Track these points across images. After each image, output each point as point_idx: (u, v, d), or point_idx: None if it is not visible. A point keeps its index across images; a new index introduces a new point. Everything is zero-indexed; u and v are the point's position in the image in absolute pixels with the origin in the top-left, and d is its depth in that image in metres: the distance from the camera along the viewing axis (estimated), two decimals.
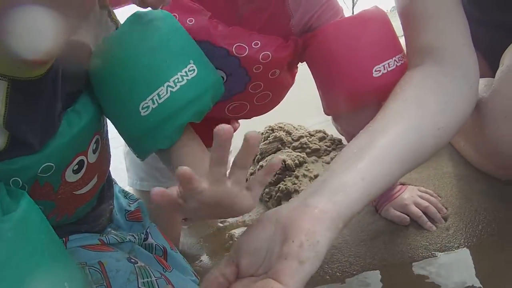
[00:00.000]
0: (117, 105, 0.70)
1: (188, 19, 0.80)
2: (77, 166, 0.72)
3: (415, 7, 0.71)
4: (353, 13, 0.93)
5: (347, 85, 0.82)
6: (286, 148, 1.22)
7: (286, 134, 1.25)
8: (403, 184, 0.97)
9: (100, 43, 0.70)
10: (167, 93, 0.66)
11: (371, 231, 0.90)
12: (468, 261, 0.77)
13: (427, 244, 0.82)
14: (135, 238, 0.87)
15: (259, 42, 0.83)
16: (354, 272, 0.81)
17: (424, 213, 0.87)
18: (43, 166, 0.64)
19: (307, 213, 0.48)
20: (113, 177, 0.92)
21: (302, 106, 0.99)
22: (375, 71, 0.79)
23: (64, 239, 0.75)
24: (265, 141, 1.27)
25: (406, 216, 0.87)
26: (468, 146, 0.97)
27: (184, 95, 0.67)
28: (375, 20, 0.83)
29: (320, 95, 0.93)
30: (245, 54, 0.82)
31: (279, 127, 1.30)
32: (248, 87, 0.89)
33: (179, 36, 0.71)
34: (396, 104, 0.64)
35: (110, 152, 0.83)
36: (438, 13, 0.69)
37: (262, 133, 1.31)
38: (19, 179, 0.62)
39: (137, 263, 0.81)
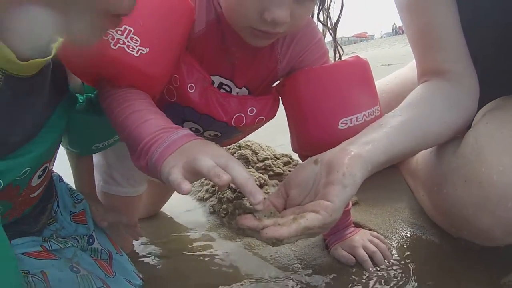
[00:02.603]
0: None
1: (189, 85, 0.80)
2: (42, 171, 0.73)
3: (426, 36, 0.86)
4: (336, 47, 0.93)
5: (312, 132, 0.83)
6: (250, 167, 1.22)
7: (252, 154, 1.25)
8: (357, 226, 0.97)
9: None
10: None
11: (315, 265, 0.89)
12: None
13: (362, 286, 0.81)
14: (78, 242, 0.86)
15: (254, 109, 0.88)
16: None
17: (371, 257, 0.87)
18: (24, 169, 0.64)
19: (347, 154, 0.65)
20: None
21: (274, 124, 0.98)
22: (341, 123, 0.80)
23: None
24: None
25: (353, 258, 0.87)
26: (426, 198, 0.97)
27: None
28: (351, 71, 0.83)
29: (289, 131, 0.93)
30: (243, 124, 0.88)
31: (247, 145, 1.29)
32: (238, 135, 0.99)
33: None
34: (409, 102, 0.82)
35: None
36: (445, 41, 0.84)
37: (230, 148, 1.30)
38: (1, 181, 0.61)
39: (80, 271, 0.81)
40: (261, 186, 1.13)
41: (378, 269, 0.86)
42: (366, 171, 0.65)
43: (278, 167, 1.21)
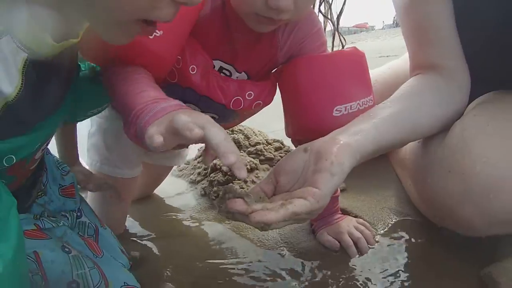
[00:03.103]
0: None
1: (191, 67, 0.82)
2: (45, 145, 0.75)
3: (420, 31, 0.88)
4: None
5: (307, 118, 0.86)
6: (241, 151, 1.23)
7: (244, 138, 1.26)
8: (343, 213, 0.99)
9: None
10: None
11: (301, 249, 0.92)
12: None
13: (346, 271, 0.84)
14: (68, 219, 0.88)
15: (252, 93, 0.90)
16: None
17: (356, 244, 0.89)
18: (37, 145, 0.67)
19: (336, 143, 0.67)
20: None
21: (267, 110, 1.00)
22: (336, 110, 0.82)
23: None
24: None
25: (338, 243, 0.90)
26: (413, 187, 0.99)
27: None
28: (348, 62, 0.86)
29: (284, 117, 0.95)
30: (240, 107, 0.91)
31: (239, 129, 1.31)
32: (235, 119, 1.01)
33: None
34: (400, 94, 0.83)
35: None
36: (439, 37, 0.85)
37: None
38: (13, 157, 0.63)
39: (71, 252, 0.82)
40: (252, 170, 1.15)
41: (362, 255, 0.88)
42: (354, 160, 0.66)
43: (270, 152, 1.22)
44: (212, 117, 0.92)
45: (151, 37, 0.71)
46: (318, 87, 0.84)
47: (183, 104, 0.63)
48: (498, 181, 0.70)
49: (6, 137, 0.62)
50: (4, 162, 0.63)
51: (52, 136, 0.76)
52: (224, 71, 0.89)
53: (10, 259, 0.53)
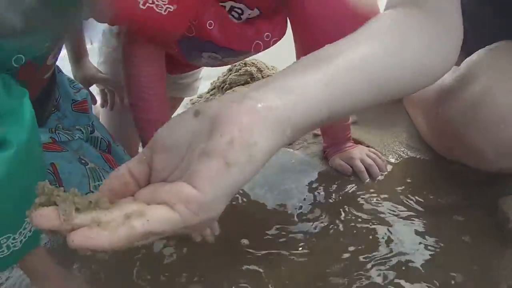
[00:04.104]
0: None
1: (208, 22, 0.83)
2: (57, 49, 0.75)
3: None
4: None
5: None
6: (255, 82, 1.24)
7: (257, 71, 1.27)
8: (356, 142, 1.00)
9: None
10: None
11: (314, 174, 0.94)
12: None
13: (357, 194, 0.87)
14: (82, 133, 0.89)
15: (269, 34, 0.92)
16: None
17: (367, 170, 0.91)
18: (46, 45, 0.67)
19: (246, 105, 0.35)
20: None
21: (279, 47, 1.00)
22: None
23: None
24: (236, 72, 1.29)
25: (350, 167, 0.92)
26: (423, 120, 1.00)
27: None
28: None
29: (296, 53, 0.94)
30: (261, 49, 0.94)
31: (252, 62, 1.31)
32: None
33: None
34: (371, 29, 0.52)
35: None
36: None
37: (235, 65, 1.31)
38: (22, 56, 0.64)
39: (87, 164, 0.84)
40: None
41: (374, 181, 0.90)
42: (280, 137, 0.36)
43: None
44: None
45: (164, 13, 0.73)
46: (336, 24, 0.79)
47: None
48: (509, 111, 0.70)
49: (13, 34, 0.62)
50: (13, 61, 0.63)
51: (62, 43, 0.76)
52: (235, 9, 0.88)
53: (24, 141, 0.56)
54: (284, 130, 0.37)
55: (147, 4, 0.72)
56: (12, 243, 0.59)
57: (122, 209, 0.33)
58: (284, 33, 0.95)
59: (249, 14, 0.90)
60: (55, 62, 0.80)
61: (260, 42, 0.91)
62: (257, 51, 0.94)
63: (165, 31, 0.77)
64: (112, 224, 0.32)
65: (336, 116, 0.43)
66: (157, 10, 0.73)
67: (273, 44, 0.95)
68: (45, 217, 0.32)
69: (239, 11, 0.89)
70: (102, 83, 1.08)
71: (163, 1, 0.73)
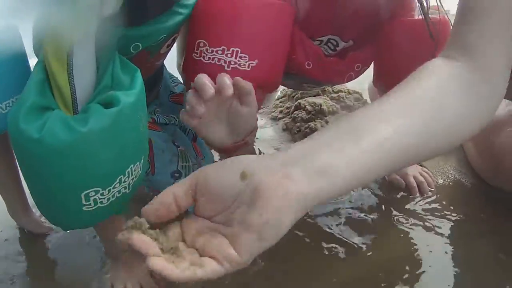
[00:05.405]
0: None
1: (306, 63, 0.91)
2: (171, 41, 0.84)
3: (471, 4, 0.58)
4: None
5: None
6: (325, 95, 1.38)
7: None
8: None
9: None
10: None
11: (369, 185, 1.09)
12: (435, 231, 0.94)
13: (409, 208, 1.01)
14: (176, 120, 0.98)
15: (360, 65, 0.98)
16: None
17: (418, 186, 1.05)
18: (162, 36, 0.76)
19: (283, 187, 0.43)
20: None
21: None
22: None
23: None
24: None
25: (403, 182, 1.06)
26: (473, 148, 1.11)
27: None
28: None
29: (374, 70, 1.03)
30: (352, 79, 1.01)
31: None
32: None
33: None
34: (412, 90, 0.53)
35: None
36: (492, 26, 0.56)
37: None
38: (140, 44, 0.71)
39: (179, 147, 0.92)
40: (332, 113, 1.30)
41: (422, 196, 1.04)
42: (302, 214, 0.45)
43: (350, 100, 1.37)
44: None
45: (248, 69, 0.77)
46: (417, 48, 0.85)
47: None
48: None
49: (135, 24, 0.68)
50: (131, 48, 0.70)
51: (176, 33, 0.82)
52: (331, 41, 0.95)
53: (130, 102, 0.58)
54: (307, 209, 0.45)
55: (231, 66, 0.77)
56: (99, 199, 0.59)
57: (186, 254, 0.43)
58: (371, 63, 1.01)
59: (343, 46, 0.97)
60: (167, 52, 0.86)
61: (352, 74, 0.99)
62: (349, 80, 1.02)
63: (255, 82, 0.73)
64: (181, 265, 0.41)
65: (367, 181, 0.51)
66: (241, 68, 0.77)
67: (362, 73, 1.02)
68: (147, 243, 0.41)
69: (334, 42, 0.95)
70: None
71: (244, 60, 0.77)
